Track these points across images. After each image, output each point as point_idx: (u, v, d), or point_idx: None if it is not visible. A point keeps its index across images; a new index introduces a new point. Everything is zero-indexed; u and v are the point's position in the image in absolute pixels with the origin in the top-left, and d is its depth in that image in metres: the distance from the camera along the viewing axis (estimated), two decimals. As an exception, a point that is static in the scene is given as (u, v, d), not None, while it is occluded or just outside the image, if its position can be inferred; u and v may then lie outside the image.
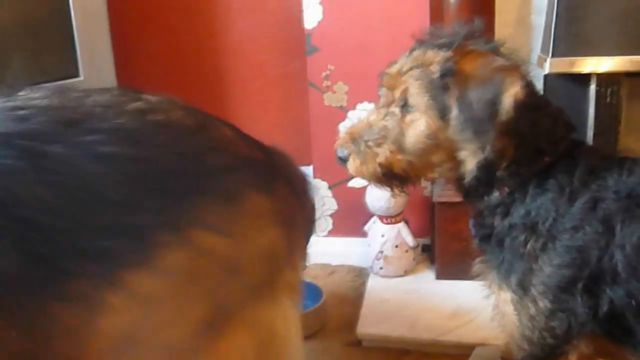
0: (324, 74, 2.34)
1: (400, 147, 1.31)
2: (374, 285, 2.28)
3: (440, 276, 2.27)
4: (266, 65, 2.68)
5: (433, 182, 2.24)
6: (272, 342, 0.90)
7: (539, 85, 2.04)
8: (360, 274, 2.42)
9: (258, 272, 0.86)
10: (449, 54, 1.25)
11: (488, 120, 1.21)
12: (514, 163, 1.27)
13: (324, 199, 2.50)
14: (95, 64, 2.31)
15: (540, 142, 1.27)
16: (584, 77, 1.99)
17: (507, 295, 1.30)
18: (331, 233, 2.54)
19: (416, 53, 1.30)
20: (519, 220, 1.27)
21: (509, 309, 1.30)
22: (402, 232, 2.30)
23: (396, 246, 2.28)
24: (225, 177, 0.82)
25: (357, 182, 2.25)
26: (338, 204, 2.50)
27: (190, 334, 0.75)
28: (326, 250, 2.51)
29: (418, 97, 1.27)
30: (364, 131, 1.34)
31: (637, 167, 1.24)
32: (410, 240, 2.30)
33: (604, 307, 1.21)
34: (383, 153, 1.31)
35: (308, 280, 2.26)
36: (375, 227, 2.33)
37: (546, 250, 1.25)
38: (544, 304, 1.25)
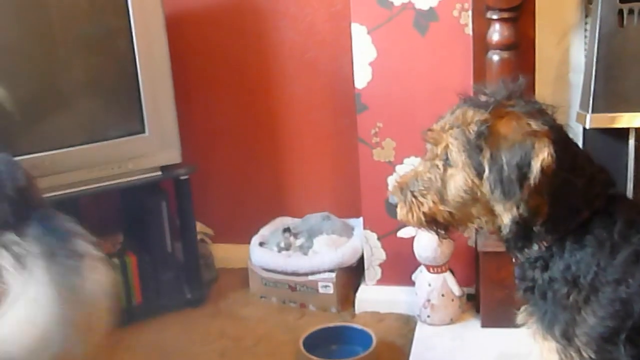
0: (373, 130, 2.37)
1: (442, 199, 1.34)
2: (422, 332, 2.28)
3: (485, 324, 2.26)
4: (318, 123, 2.74)
5: (477, 231, 2.21)
6: None
7: (579, 140, 2.07)
8: (408, 322, 2.41)
9: None
10: (485, 115, 1.29)
11: (517, 183, 1.24)
12: (550, 220, 1.29)
13: (372, 250, 2.50)
14: (159, 122, 2.40)
15: (575, 200, 1.29)
16: (622, 132, 2.01)
17: (551, 345, 1.31)
18: (380, 282, 2.53)
19: (458, 112, 1.34)
20: (559, 274, 1.29)
21: (554, 358, 1.31)
22: (448, 281, 2.29)
23: (442, 295, 2.28)
24: None
25: (405, 233, 2.28)
26: (387, 254, 2.49)
27: None
28: (375, 298, 2.51)
29: (457, 154, 1.31)
30: (411, 182, 1.38)
31: None
32: (456, 289, 2.30)
33: None
34: (427, 203, 1.35)
35: (359, 327, 2.29)
36: (422, 276, 2.32)
37: (589, 302, 1.25)
38: (587, 354, 1.26)
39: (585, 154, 1.36)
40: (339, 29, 2.58)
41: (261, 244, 2.68)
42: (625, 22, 1.92)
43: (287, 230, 2.70)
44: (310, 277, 2.53)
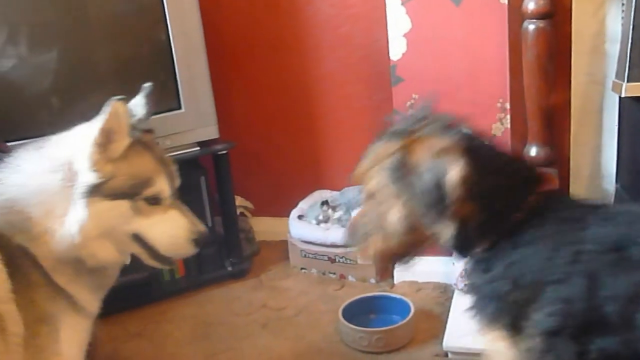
0: (409, 102, 2.34)
1: (387, 234, 1.33)
2: (459, 301, 2.26)
3: (522, 292, 2.26)
4: (354, 96, 2.72)
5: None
6: None
7: (614, 110, 2.07)
8: (445, 291, 2.42)
9: None
10: (399, 144, 1.27)
11: (440, 203, 1.22)
12: (483, 224, 1.27)
13: (410, 221, 2.49)
14: (195, 97, 2.41)
15: (502, 203, 1.26)
16: (659, 101, 1.97)
17: (498, 333, 1.28)
18: (418, 252, 2.53)
19: (377, 147, 1.33)
20: (499, 275, 1.26)
21: (501, 344, 1.28)
22: (486, 251, 2.30)
23: (480, 264, 2.29)
24: None
25: (441, 204, 2.27)
26: (424, 225, 2.48)
27: None
28: (413, 268, 2.36)
29: (385, 188, 1.30)
30: (360, 222, 1.38)
31: (614, 217, 1.23)
32: (493, 258, 2.30)
33: (592, 355, 1.18)
34: (374, 244, 1.35)
35: (397, 296, 2.30)
36: (459, 246, 2.34)
37: (533, 301, 1.22)
38: (535, 342, 1.23)
39: (506, 156, 1.33)
40: (372, 1, 2.55)
41: (300, 217, 2.70)
42: (662, -11, 1.85)
43: (325, 203, 2.70)
44: (349, 249, 2.51)
